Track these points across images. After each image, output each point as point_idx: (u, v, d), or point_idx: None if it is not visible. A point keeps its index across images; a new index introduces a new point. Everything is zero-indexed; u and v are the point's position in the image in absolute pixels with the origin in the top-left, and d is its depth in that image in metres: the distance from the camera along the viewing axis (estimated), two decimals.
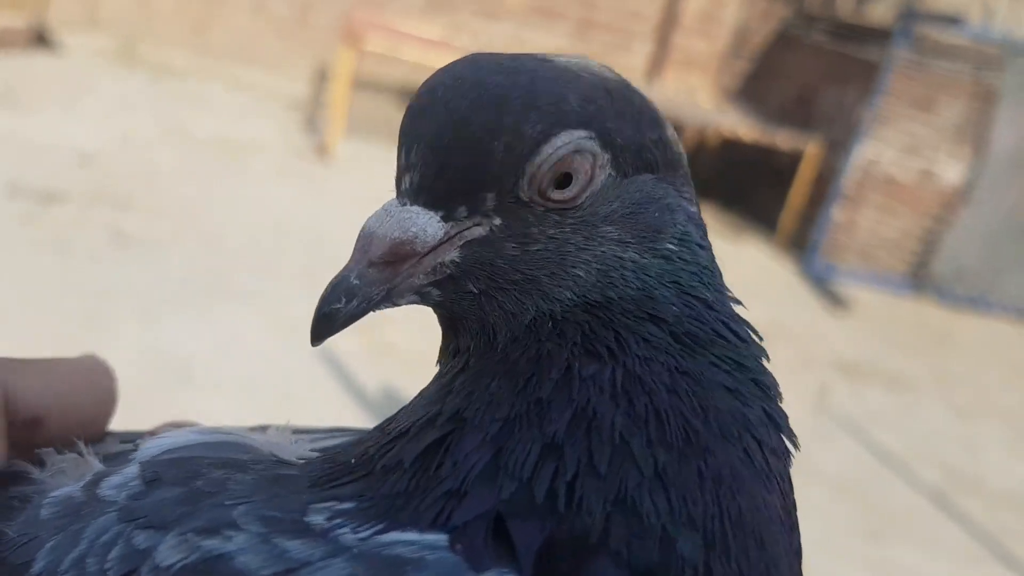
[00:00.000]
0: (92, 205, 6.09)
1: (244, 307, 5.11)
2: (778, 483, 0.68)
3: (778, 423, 0.70)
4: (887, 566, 4.30)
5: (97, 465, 0.75)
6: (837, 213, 8.86)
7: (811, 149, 9.27)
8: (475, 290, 0.68)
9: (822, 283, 8.48)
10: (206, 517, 0.66)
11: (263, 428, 0.83)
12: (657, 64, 11.53)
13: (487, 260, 0.67)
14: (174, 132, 8.05)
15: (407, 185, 0.67)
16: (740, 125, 9.78)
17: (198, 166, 7.40)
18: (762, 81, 11.30)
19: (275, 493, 0.69)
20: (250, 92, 10.09)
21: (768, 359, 0.72)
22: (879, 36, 9.34)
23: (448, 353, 0.73)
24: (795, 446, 0.71)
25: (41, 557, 0.68)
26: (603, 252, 0.69)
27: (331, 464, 0.72)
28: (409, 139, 0.68)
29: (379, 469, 0.68)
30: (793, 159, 9.35)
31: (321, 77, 10.84)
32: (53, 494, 0.71)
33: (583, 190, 0.67)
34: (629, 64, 11.41)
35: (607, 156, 0.68)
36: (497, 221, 0.67)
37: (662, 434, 0.63)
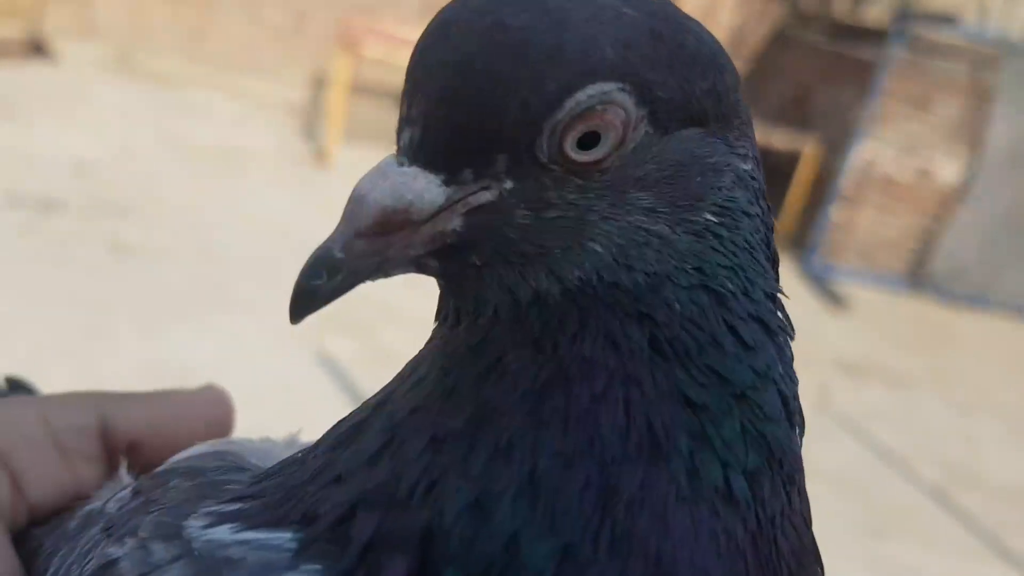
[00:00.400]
0: (91, 215, 6.10)
1: (244, 315, 5.11)
2: (751, 510, 0.60)
3: (761, 444, 0.61)
4: (887, 563, 4.31)
5: (126, 480, 0.76)
6: (835, 213, 8.87)
7: (808, 149, 9.27)
8: (478, 262, 0.60)
9: (821, 282, 8.48)
10: (130, 525, 0.67)
11: (292, 439, 0.82)
12: None
13: (494, 229, 0.59)
14: (172, 141, 8.05)
15: (406, 141, 0.59)
16: None
17: (197, 174, 7.40)
18: (759, 82, 11.29)
19: (190, 499, 0.67)
20: (248, 100, 10.09)
21: (784, 362, 0.64)
22: (875, 36, 9.34)
23: (440, 319, 0.67)
24: (792, 466, 0.63)
25: (53, 565, 0.70)
26: (629, 223, 0.60)
27: (279, 464, 0.68)
28: (412, 86, 0.59)
29: (308, 459, 0.65)
30: (791, 159, 9.35)
31: (319, 84, 10.84)
32: (86, 508, 0.73)
33: (612, 151, 0.58)
34: None
35: (643, 112, 0.58)
36: (508, 184, 0.58)
37: (556, 440, 0.57)
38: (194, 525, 0.64)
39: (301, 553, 0.59)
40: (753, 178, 0.66)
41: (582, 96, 0.56)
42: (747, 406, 0.61)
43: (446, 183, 0.58)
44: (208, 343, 4.82)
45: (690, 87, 0.60)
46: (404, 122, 0.60)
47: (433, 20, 0.60)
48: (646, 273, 0.60)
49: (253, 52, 10.99)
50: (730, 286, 0.63)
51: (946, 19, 8.77)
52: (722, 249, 0.63)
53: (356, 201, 0.58)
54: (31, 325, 4.60)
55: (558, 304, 0.60)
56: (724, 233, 0.63)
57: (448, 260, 0.60)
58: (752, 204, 0.65)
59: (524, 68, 0.55)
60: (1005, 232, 8.70)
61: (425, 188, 0.58)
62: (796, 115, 10.01)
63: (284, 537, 0.61)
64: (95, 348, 4.51)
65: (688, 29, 0.61)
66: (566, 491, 0.56)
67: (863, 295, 8.47)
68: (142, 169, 7.19)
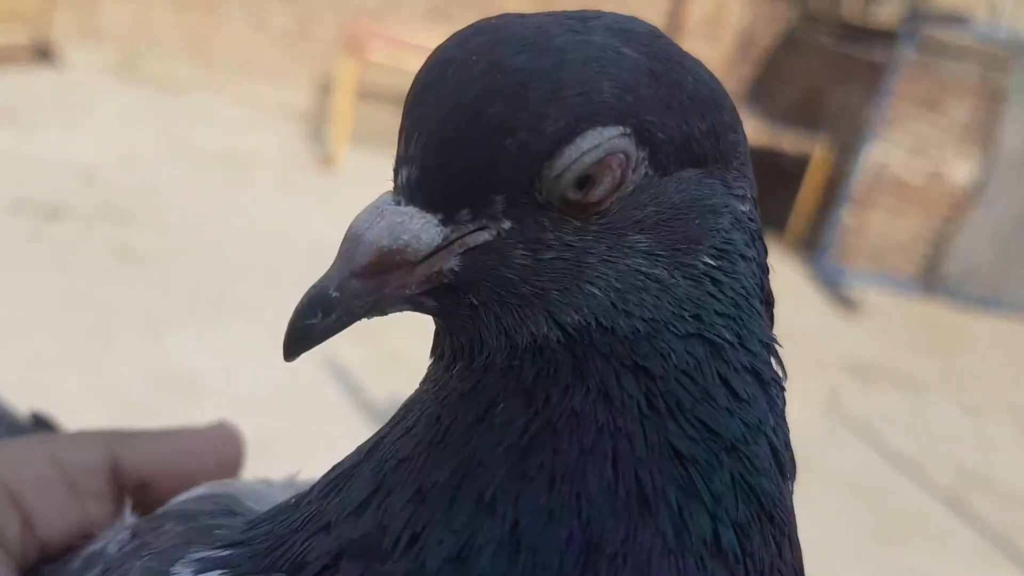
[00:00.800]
0: (96, 221, 6.10)
1: (250, 321, 5.11)
2: (740, 564, 0.60)
3: (751, 497, 0.62)
4: (899, 568, 4.30)
5: (129, 521, 0.76)
6: (846, 215, 8.85)
7: (819, 151, 9.27)
8: (475, 302, 0.60)
9: (832, 285, 8.47)
10: (123, 569, 0.67)
11: (291, 480, 0.83)
12: None
13: (491, 269, 0.59)
14: (177, 146, 8.06)
15: (404, 180, 0.59)
16: (747, 128, 9.76)
17: (202, 180, 7.41)
18: (768, 84, 11.30)
19: (178, 544, 0.67)
20: (253, 104, 10.10)
21: (775, 414, 0.64)
22: (885, 37, 9.32)
23: (435, 357, 0.66)
24: (782, 517, 0.63)
25: None
26: (628, 266, 0.60)
27: (273, 510, 0.69)
28: (410, 125, 0.59)
29: (301, 505, 0.66)
30: (801, 161, 9.35)
31: (324, 88, 10.85)
32: (89, 548, 0.74)
33: (611, 193, 0.58)
34: None
35: (643, 154, 0.59)
36: (506, 225, 0.58)
37: (540, 494, 0.58)
38: (183, 572, 0.64)
39: None
40: (751, 219, 0.66)
41: (583, 142, 0.56)
42: (737, 459, 0.61)
43: (443, 223, 0.58)
44: (214, 348, 4.82)
45: (689, 128, 0.60)
46: (401, 161, 0.60)
47: (431, 57, 0.60)
48: (643, 319, 0.60)
49: (258, 57, 11.02)
50: (727, 335, 0.63)
51: (956, 19, 8.75)
52: (720, 296, 0.63)
53: (352, 240, 0.58)
54: (36, 330, 4.61)
55: (554, 352, 0.60)
56: (722, 278, 0.63)
57: (444, 299, 0.60)
58: (749, 247, 0.65)
59: (523, 110, 0.55)
60: (1018, 234, 8.68)
61: (422, 228, 0.58)
62: (806, 117, 10.00)
63: None
64: (100, 353, 4.51)
65: (687, 69, 0.62)
66: (548, 547, 0.57)
67: (874, 298, 8.46)
68: (147, 174, 7.20)
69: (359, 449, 0.66)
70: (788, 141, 9.47)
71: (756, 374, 0.64)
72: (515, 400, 0.60)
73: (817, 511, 4.50)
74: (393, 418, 0.66)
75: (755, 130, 9.62)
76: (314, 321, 0.58)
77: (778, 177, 9.63)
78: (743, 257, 0.64)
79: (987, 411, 6.53)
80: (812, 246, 9.03)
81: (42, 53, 9.68)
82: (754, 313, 0.65)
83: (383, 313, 0.60)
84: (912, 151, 8.71)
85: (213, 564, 0.64)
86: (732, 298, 0.63)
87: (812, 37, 10.85)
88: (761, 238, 0.68)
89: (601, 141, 0.56)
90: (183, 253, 5.93)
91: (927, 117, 8.61)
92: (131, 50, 10.38)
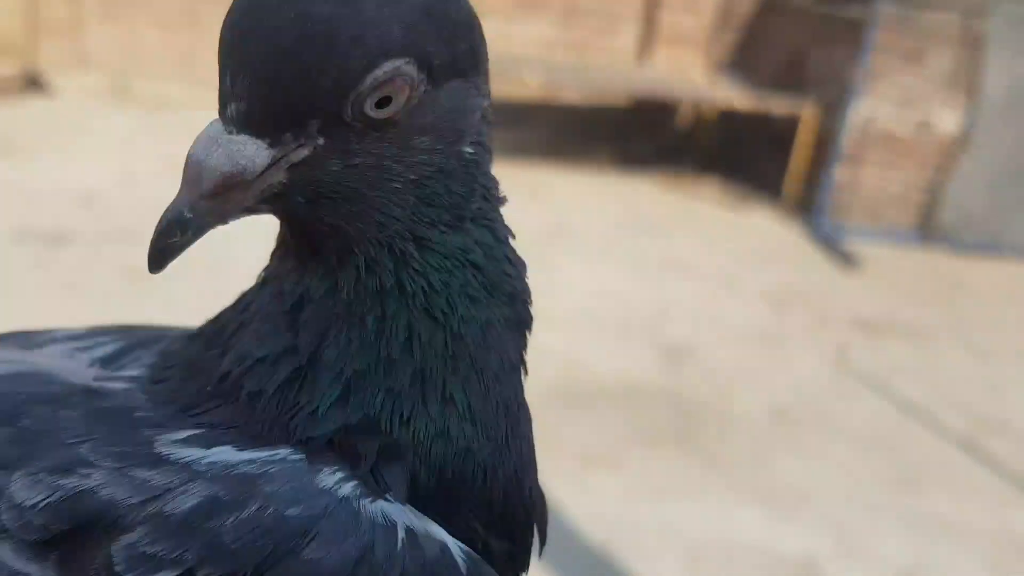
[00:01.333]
0: (100, 243, 6.13)
1: None
2: (527, 374, 0.91)
3: (526, 325, 0.90)
4: (921, 516, 4.31)
5: None
6: (839, 173, 8.84)
7: (807, 112, 9.25)
8: (302, 199, 0.74)
9: (832, 243, 8.46)
10: (52, 457, 0.70)
11: (29, 340, 0.93)
12: (646, 44, 11.50)
13: (312, 177, 0.73)
14: (175, 163, 7.96)
15: (233, 113, 0.72)
16: (735, 96, 9.77)
17: None
18: (752, 50, 11.26)
19: (112, 428, 0.75)
20: None
21: (511, 256, 0.89)
22: None
23: (288, 255, 0.83)
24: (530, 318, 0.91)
25: None
26: (416, 161, 0.76)
27: (182, 391, 0.82)
28: (232, 65, 0.71)
29: (244, 396, 0.78)
30: (790, 124, 9.32)
31: None
32: None
33: (401, 108, 0.73)
34: (618, 46, 11.37)
35: (423, 75, 0.73)
36: (320, 141, 0.72)
37: (475, 384, 0.82)
38: (185, 452, 0.72)
39: (312, 465, 0.75)
40: (488, 109, 0.84)
41: (379, 72, 0.70)
42: (522, 304, 0.89)
43: (271, 146, 0.71)
44: None
45: (455, 50, 0.76)
46: (228, 96, 0.72)
47: (240, 3, 0.72)
48: (445, 208, 0.80)
49: None
50: (493, 215, 0.87)
51: None
52: (479, 174, 0.83)
53: (195, 167, 0.73)
54: None
55: (418, 264, 0.80)
56: (481, 159, 0.83)
57: (276, 204, 0.75)
58: (487, 134, 0.84)
59: (333, 53, 0.68)
60: (1009, 177, 8.67)
61: (255, 153, 0.71)
62: (792, 80, 9.97)
63: (285, 453, 0.75)
64: None
65: (451, 2, 0.77)
66: (487, 411, 0.84)
67: (874, 252, 8.44)
68: (147, 193, 7.19)
69: (288, 357, 0.80)
70: (777, 105, 9.48)
71: (510, 232, 0.89)
72: (426, 321, 0.80)
73: (834, 466, 4.52)
74: (306, 330, 0.80)
75: (743, 97, 9.64)
76: (175, 240, 0.72)
77: (770, 143, 9.64)
78: (485, 144, 0.84)
79: (995, 354, 6.54)
80: (808, 207, 9.02)
81: (32, 83, 9.68)
82: (494, 189, 0.87)
83: (226, 222, 0.74)
84: (899, 104, 8.71)
85: (211, 441, 0.74)
86: (485, 173, 0.84)
87: (791, 0, 10.84)
88: (489, 121, 0.86)
89: (393, 68, 0.70)
90: (187, 269, 5.86)
91: (910, 69, 8.61)
92: (121, 73, 10.38)
